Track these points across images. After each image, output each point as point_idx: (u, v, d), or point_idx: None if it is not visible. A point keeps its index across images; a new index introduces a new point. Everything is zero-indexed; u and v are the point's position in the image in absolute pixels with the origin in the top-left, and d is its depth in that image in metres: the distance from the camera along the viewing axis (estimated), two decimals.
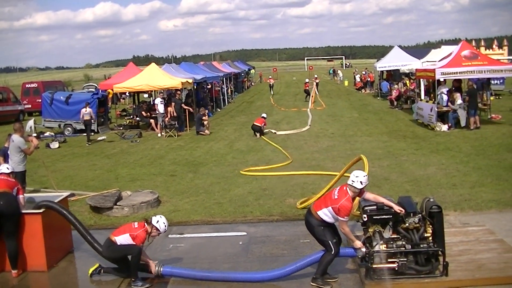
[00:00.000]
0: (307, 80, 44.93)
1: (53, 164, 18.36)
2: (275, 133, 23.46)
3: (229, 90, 45.45)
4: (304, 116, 29.53)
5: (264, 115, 24.10)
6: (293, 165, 16.01)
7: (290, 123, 26.98)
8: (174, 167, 16.72)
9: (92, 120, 24.42)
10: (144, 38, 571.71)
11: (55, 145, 22.64)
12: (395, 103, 32.13)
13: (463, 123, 21.22)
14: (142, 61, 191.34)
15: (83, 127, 25.25)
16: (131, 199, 12.14)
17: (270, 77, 60.67)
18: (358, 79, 52.61)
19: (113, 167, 17.38)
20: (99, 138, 24.08)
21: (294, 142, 20.41)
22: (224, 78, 42.43)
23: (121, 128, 26.63)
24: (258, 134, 22.31)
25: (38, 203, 8.92)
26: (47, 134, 25.83)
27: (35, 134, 22.89)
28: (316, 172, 14.69)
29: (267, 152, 18.58)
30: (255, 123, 22.91)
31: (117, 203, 11.77)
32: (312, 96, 41.42)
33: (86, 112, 23.65)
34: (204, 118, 24.27)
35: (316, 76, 60.55)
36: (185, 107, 26.37)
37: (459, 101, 21.39)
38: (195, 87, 29.81)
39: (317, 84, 55.75)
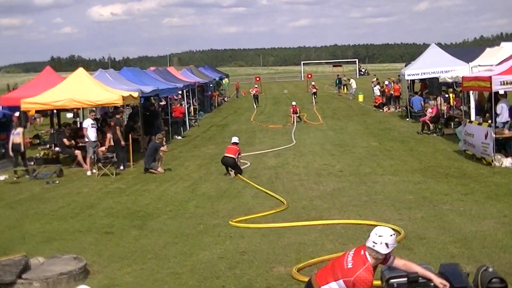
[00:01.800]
0: (294, 103, 44.94)
1: None
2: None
3: (192, 108, 45.52)
4: (306, 142, 29.76)
5: (235, 139, 23.88)
6: (285, 217, 15.93)
7: (280, 156, 27.04)
8: (111, 221, 16.62)
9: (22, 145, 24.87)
10: (67, 32, 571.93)
11: None
12: (431, 126, 32.31)
13: None
14: (64, 64, 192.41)
15: None
16: (45, 269, 11.93)
17: (256, 86, 64.02)
18: (377, 92, 53.14)
19: (19, 221, 17.18)
20: None
21: (285, 184, 20.42)
22: (185, 91, 42.68)
23: (32, 163, 26.41)
24: (232, 172, 22.20)
25: None
26: None
27: None
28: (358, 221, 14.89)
29: (247, 198, 18.51)
30: (226, 155, 22.68)
31: (23, 276, 11.52)
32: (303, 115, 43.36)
33: (16, 132, 24.29)
34: (162, 149, 24.15)
35: (313, 83, 62.67)
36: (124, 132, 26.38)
37: None
38: (142, 103, 29.79)
39: (315, 93, 57.30)
